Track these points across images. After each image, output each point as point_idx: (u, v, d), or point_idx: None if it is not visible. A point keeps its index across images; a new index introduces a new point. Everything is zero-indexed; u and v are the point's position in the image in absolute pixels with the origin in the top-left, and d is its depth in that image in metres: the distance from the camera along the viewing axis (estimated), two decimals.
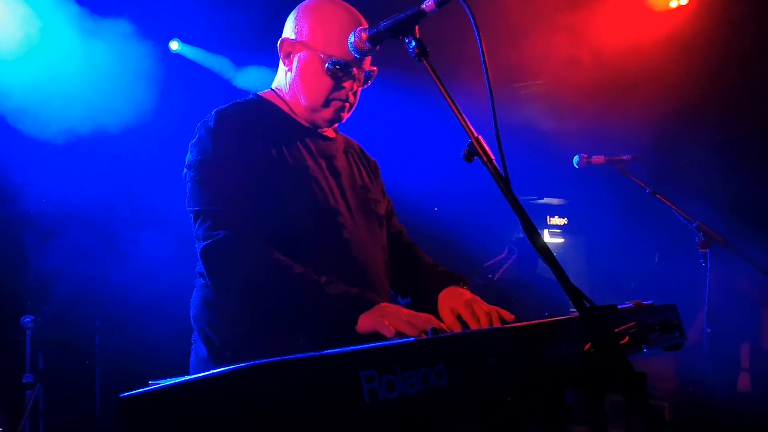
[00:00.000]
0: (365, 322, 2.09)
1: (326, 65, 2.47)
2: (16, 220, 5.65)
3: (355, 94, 2.58)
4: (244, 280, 2.21)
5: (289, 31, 2.59)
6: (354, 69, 2.49)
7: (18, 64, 5.57)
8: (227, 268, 2.25)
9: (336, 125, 2.69)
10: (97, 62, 5.82)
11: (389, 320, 2.02)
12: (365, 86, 2.61)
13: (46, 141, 5.63)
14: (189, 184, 2.40)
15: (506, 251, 6.40)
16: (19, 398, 5.39)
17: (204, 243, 2.27)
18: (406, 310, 2.10)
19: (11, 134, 5.59)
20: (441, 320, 2.55)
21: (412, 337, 1.87)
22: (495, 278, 6.22)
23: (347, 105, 2.57)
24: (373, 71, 2.59)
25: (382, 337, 2.00)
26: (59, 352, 5.72)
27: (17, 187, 5.61)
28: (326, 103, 2.54)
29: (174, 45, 6.89)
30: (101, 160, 5.91)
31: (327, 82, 2.50)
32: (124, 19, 5.96)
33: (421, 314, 2.08)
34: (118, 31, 5.95)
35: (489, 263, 6.40)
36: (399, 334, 1.97)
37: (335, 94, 2.52)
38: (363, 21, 2.54)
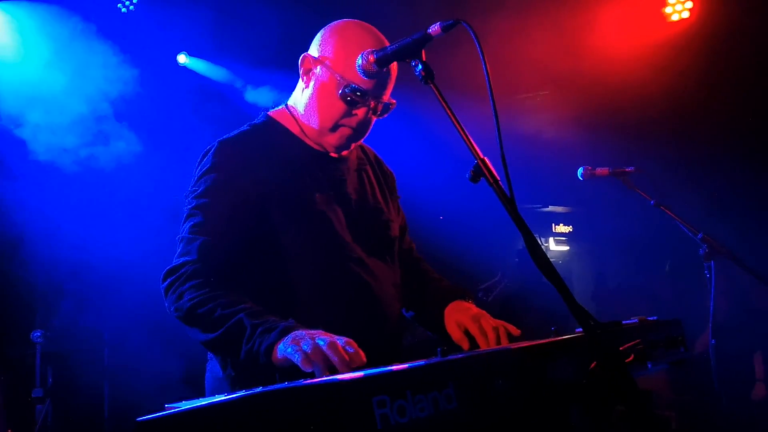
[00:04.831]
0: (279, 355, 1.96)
1: (342, 89, 2.40)
2: (22, 235, 5.68)
3: (366, 123, 2.50)
4: (176, 310, 2.20)
5: (313, 48, 2.54)
6: (370, 99, 2.42)
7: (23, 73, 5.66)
8: (169, 295, 2.24)
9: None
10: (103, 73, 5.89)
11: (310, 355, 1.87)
12: (381, 117, 2.53)
13: (52, 158, 5.68)
14: (184, 211, 2.40)
15: (499, 275, 6.58)
16: (28, 413, 5.42)
17: (167, 267, 2.29)
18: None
19: (16, 152, 5.65)
20: (449, 335, 2.57)
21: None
22: (489, 299, 6.39)
23: (355, 133, 2.50)
24: (391, 103, 2.50)
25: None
26: (68, 366, 5.74)
27: (22, 204, 5.66)
28: (334, 128, 2.47)
29: (182, 58, 6.95)
30: (110, 174, 5.95)
31: (339, 107, 2.43)
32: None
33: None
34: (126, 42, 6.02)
35: (484, 285, 6.55)
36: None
37: (345, 120, 2.45)
38: None
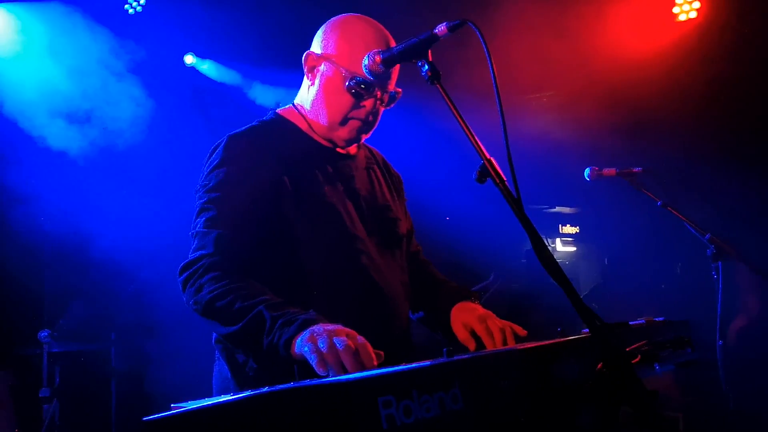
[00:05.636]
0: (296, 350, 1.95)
1: (348, 83, 2.43)
2: (32, 234, 5.70)
3: (375, 114, 2.52)
4: (195, 304, 2.19)
5: (316, 45, 2.57)
6: (377, 89, 2.45)
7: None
8: (187, 288, 2.23)
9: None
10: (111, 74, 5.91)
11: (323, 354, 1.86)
12: (389, 107, 2.56)
13: (63, 155, 5.70)
14: (196, 206, 2.41)
15: (492, 276, 6.54)
16: (36, 412, 5.43)
17: (183, 261, 2.28)
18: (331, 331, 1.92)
19: (25, 149, 5.66)
20: (454, 335, 2.57)
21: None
22: (481, 301, 6.36)
23: (365, 125, 2.52)
24: (397, 92, 2.53)
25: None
26: (75, 366, 5.75)
27: (33, 202, 5.68)
28: (344, 122, 2.49)
29: (189, 59, 6.97)
30: (119, 174, 5.97)
31: (347, 100, 2.46)
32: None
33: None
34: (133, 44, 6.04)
35: (476, 287, 6.53)
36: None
37: (354, 113, 2.48)
38: (391, 41, 2.50)
